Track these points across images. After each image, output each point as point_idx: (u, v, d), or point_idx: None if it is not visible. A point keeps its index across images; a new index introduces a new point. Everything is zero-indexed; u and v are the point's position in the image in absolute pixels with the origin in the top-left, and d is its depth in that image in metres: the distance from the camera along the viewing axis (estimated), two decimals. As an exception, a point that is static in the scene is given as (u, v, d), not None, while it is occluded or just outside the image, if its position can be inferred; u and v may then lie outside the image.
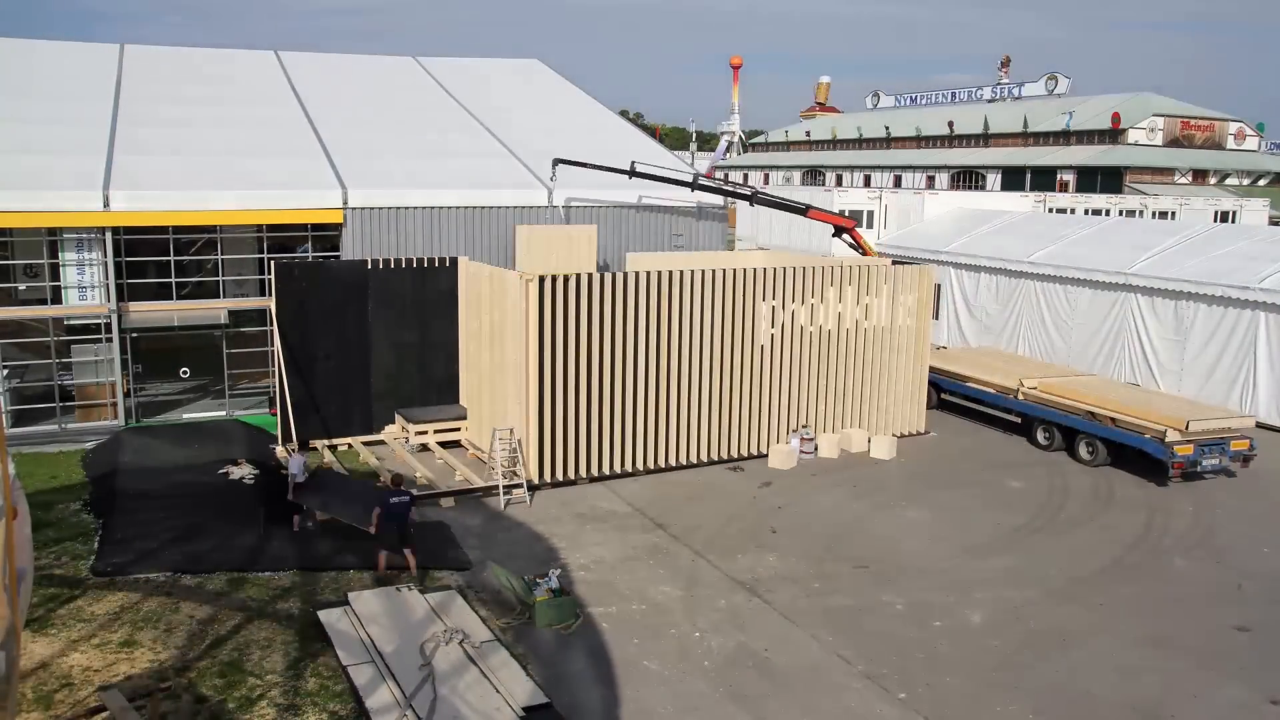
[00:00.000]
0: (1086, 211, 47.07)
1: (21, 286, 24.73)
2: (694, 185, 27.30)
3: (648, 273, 20.58)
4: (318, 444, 22.20)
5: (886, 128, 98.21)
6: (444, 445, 22.26)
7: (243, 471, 19.91)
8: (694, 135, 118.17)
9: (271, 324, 22.25)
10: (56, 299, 23.92)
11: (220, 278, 25.36)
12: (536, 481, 19.79)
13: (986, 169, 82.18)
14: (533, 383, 19.57)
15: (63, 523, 17.52)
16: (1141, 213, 50.10)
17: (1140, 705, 12.42)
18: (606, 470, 20.58)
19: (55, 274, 23.91)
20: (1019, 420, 24.33)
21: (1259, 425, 25.23)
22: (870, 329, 23.27)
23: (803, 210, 27.57)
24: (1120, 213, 48.17)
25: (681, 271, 20.98)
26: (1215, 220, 49.05)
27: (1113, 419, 21.54)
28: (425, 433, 22.36)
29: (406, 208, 25.74)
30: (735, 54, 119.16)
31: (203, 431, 23.12)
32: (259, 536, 16.93)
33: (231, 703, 11.89)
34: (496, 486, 19.11)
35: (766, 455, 22.01)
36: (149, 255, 24.47)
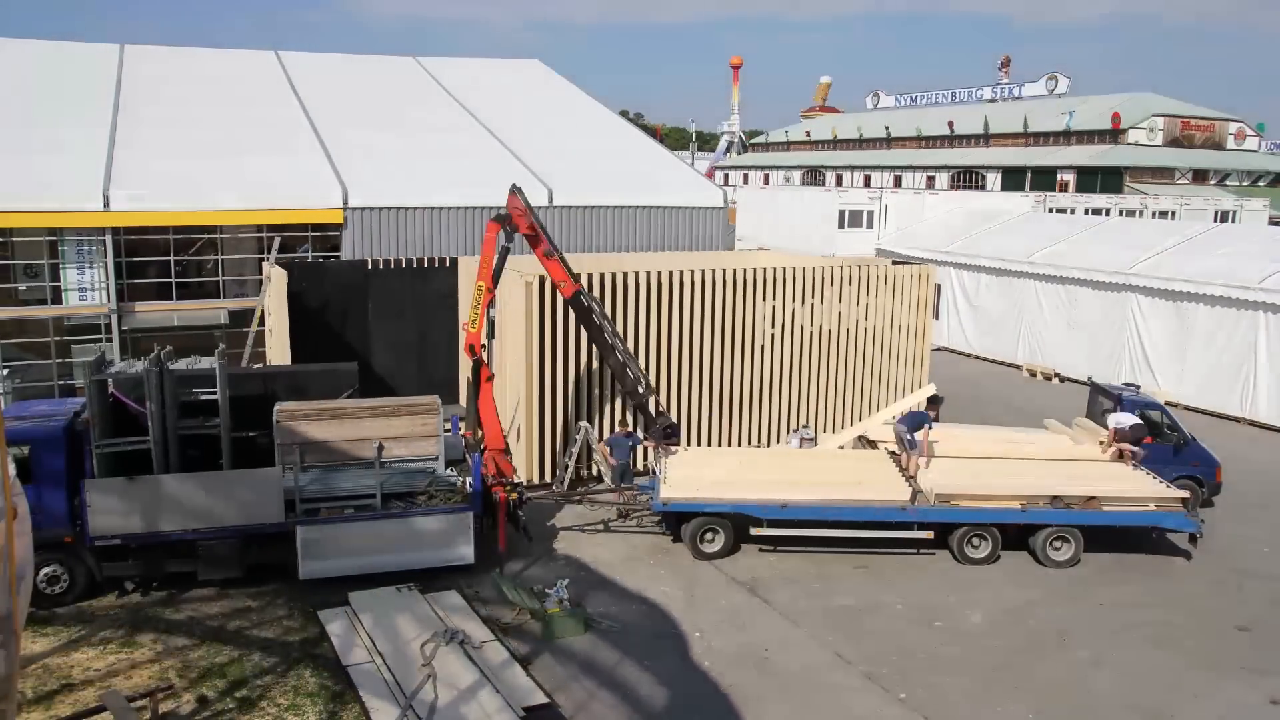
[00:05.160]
0: (1087, 211, 47.09)
1: (22, 287, 24.76)
2: None
3: (648, 273, 20.58)
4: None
5: (887, 128, 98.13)
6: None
7: None
8: (694, 135, 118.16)
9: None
10: (57, 299, 23.94)
11: (220, 278, 25.39)
12: (536, 481, 19.77)
13: (987, 169, 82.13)
14: (533, 383, 19.57)
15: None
16: (1141, 213, 50.11)
17: (1140, 705, 12.42)
18: (607, 470, 20.55)
19: (56, 274, 23.94)
20: None
21: (1260, 425, 25.26)
22: (870, 329, 23.25)
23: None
24: (1120, 213, 48.18)
25: (682, 272, 20.98)
26: (1215, 220, 49.07)
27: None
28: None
29: (406, 208, 25.77)
30: (735, 54, 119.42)
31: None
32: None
33: (232, 702, 11.89)
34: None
35: (766, 455, 21.99)
36: (149, 255, 24.51)
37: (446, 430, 16.46)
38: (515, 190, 17.55)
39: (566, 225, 27.68)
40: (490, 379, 17.44)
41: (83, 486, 14.07)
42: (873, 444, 20.36)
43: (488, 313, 17.33)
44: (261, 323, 23.48)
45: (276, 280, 21.09)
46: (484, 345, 17.35)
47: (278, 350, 21.40)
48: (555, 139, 32.26)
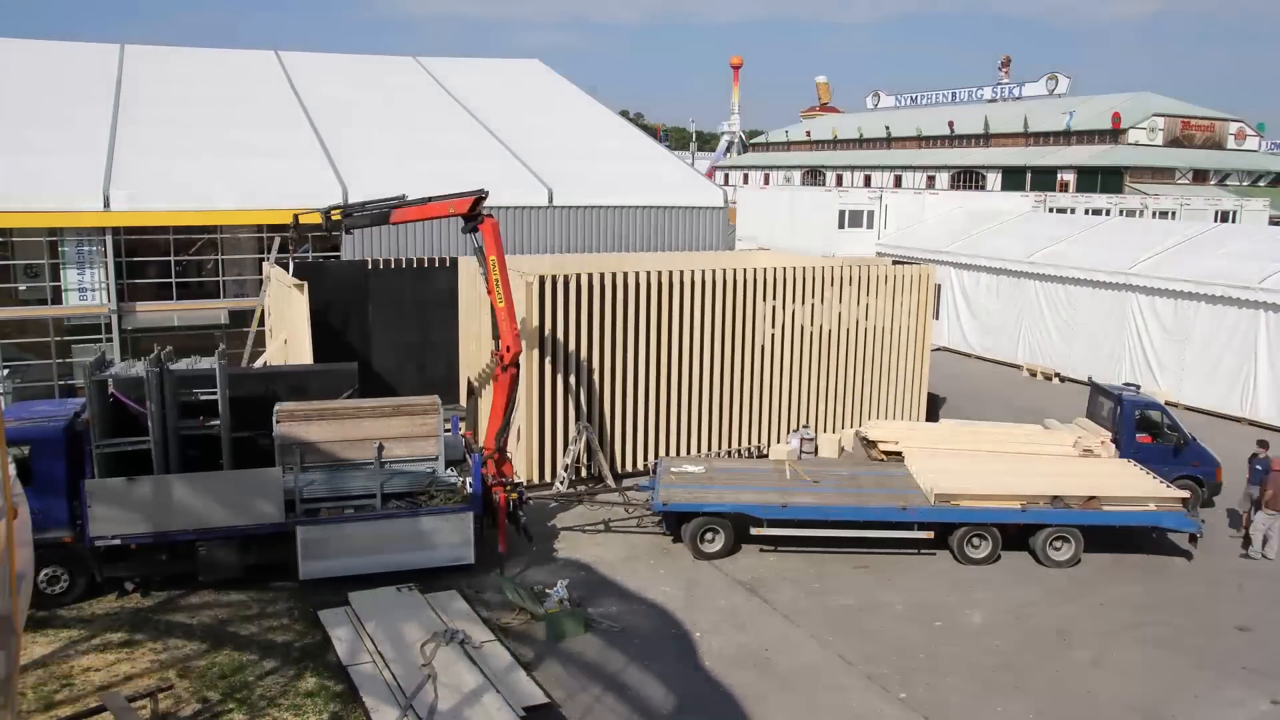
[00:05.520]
0: (1087, 211, 47.08)
1: (22, 287, 24.77)
2: None
3: (648, 273, 20.58)
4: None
5: (887, 128, 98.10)
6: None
7: None
8: (694, 135, 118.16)
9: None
10: (57, 299, 23.95)
11: (220, 278, 25.39)
12: (536, 482, 19.77)
13: (987, 169, 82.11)
14: (533, 383, 19.57)
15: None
16: (1141, 213, 50.10)
17: (1140, 705, 12.42)
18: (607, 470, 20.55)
19: (56, 274, 23.96)
20: None
21: (1259, 425, 25.23)
22: (870, 329, 23.25)
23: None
24: (1120, 213, 48.17)
25: (682, 272, 20.98)
26: (1215, 220, 49.07)
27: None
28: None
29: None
30: (735, 54, 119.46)
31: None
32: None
33: (232, 703, 11.89)
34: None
35: (766, 455, 21.99)
36: (149, 255, 24.52)
37: (446, 430, 16.46)
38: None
39: (566, 225, 27.68)
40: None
41: (83, 487, 14.06)
42: (872, 444, 20.37)
43: (492, 314, 17.34)
44: (261, 323, 23.49)
45: (295, 292, 20.79)
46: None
47: (296, 359, 21.23)
48: (555, 139, 32.26)
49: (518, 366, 17.07)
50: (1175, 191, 64.58)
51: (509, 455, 17.54)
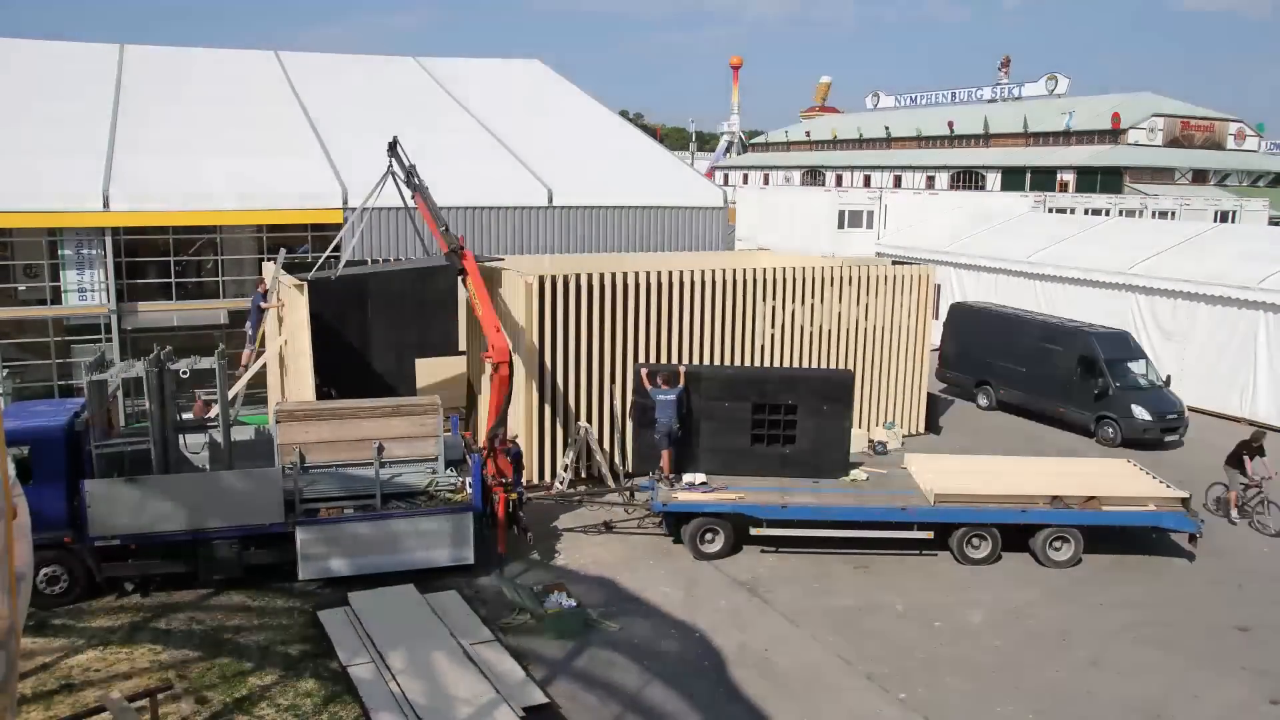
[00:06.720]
0: (1087, 211, 47.07)
1: (22, 287, 24.77)
2: None
3: (648, 273, 20.58)
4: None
5: (886, 128, 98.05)
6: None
7: None
8: (694, 135, 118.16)
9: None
10: (57, 299, 23.94)
11: (220, 278, 25.39)
12: (536, 482, 19.76)
13: (986, 169, 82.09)
14: (533, 383, 19.57)
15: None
16: (1141, 213, 50.09)
17: (1140, 705, 12.42)
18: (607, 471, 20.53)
19: (55, 274, 23.95)
20: None
21: (1258, 425, 25.21)
22: (870, 329, 23.25)
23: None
24: (1120, 213, 48.15)
25: (682, 272, 20.97)
26: (1215, 220, 49.05)
27: None
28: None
29: (406, 208, 25.69)
30: (735, 54, 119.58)
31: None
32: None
33: (231, 703, 11.89)
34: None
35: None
36: (149, 256, 24.52)
37: (446, 430, 16.45)
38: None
39: (566, 225, 27.66)
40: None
41: (83, 486, 14.06)
42: (875, 444, 20.36)
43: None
44: (263, 345, 23.29)
45: (295, 293, 20.54)
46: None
47: (296, 361, 21.09)
48: (555, 139, 32.25)
49: (511, 366, 17.08)
50: (1175, 191, 64.57)
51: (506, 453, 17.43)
